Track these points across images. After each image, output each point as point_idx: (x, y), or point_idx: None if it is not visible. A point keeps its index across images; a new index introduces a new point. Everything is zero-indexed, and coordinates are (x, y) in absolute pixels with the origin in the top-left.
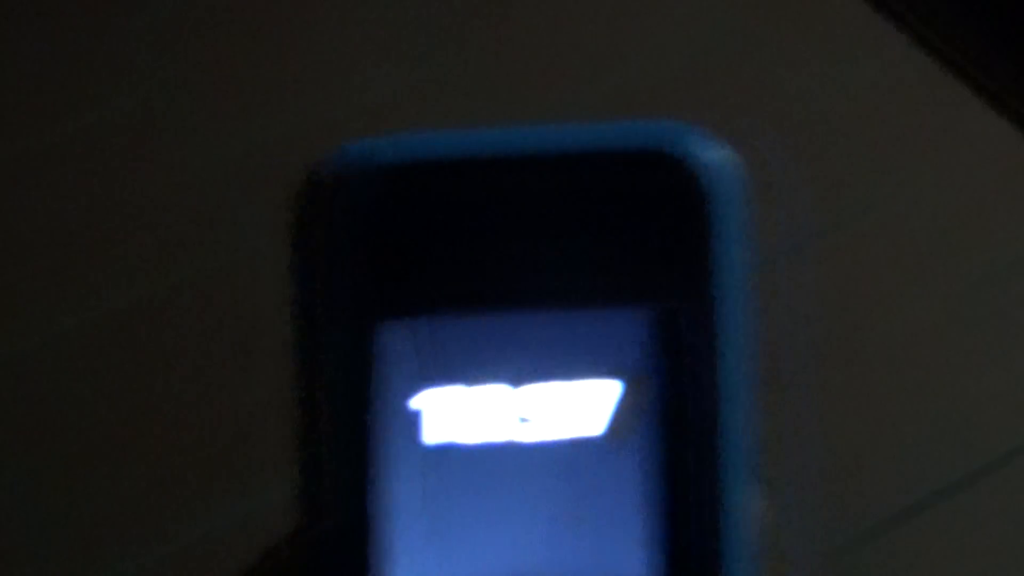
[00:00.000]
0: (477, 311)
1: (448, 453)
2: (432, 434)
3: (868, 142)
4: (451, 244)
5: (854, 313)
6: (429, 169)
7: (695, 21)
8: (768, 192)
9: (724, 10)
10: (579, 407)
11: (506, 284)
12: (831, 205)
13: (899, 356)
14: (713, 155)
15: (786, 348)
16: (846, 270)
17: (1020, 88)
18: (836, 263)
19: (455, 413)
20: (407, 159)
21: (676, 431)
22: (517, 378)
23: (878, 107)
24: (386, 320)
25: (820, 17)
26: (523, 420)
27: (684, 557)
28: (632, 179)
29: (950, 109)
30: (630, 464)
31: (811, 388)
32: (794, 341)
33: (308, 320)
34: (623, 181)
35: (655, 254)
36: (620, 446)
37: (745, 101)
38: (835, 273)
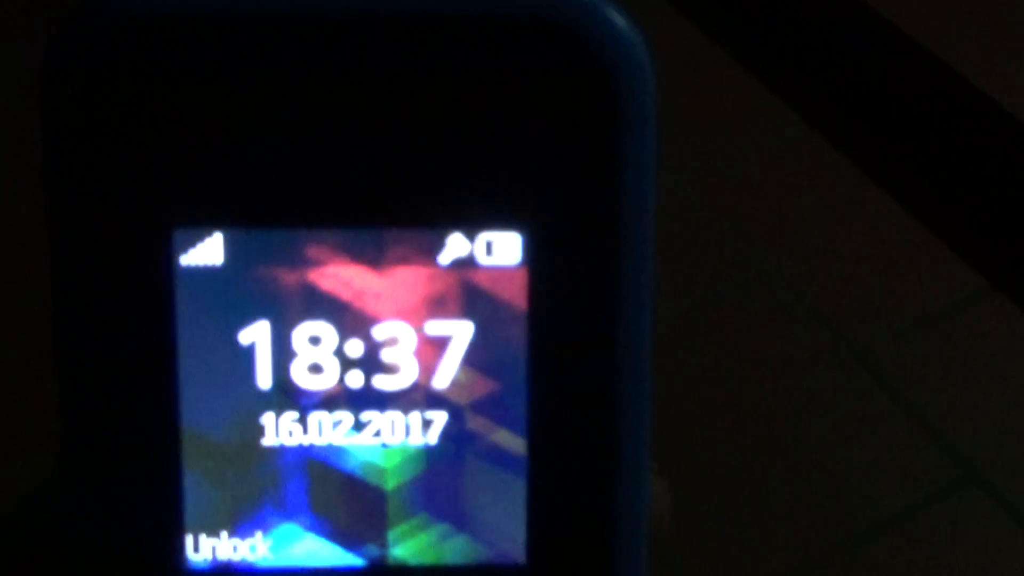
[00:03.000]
0: (295, 223)
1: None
2: (265, 377)
3: (753, 212)
4: (262, 130)
5: (734, 384)
6: (228, 25)
7: None
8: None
9: None
10: (431, 353)
11: (329, 191)
12: (716, 277)
13: (783, 426)
14: (617, 28)
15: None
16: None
17: (899, 164)
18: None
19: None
20: (197, 9)
21: (551, 393)
22: (357, 316)
23: (765, 179)
24: (180, 228)
25: (711, 90)
26: (366, 367)
27: (565, 540)
28: (504, 56)
29: (834, 182)
30: (500, 428)
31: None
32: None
33: (68, 231)
34: (490, 58)
35: (531, 158)
36: (483, 403)
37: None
38: (717, 343)
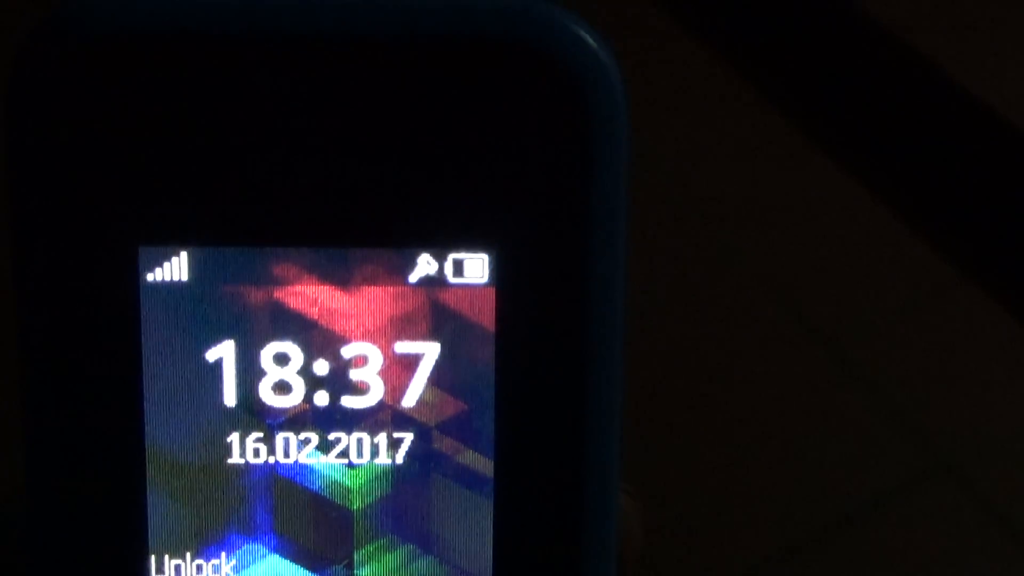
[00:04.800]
0: (262, 241)
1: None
2: (231, 396)
3: (722, 202)
4: (227, 148)
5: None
6: (195, 43)
7: None
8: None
9: None
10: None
11: (297, 210)
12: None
13: (756, 418)
14: (587, 48)
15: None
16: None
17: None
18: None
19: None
20: (160, 25)
21: (519, 414)
22: (325, 335)
23: (735, 169)
24: (146, 245)
25: (682, 83)
26: (333, 387)
27: (532, 562)
28: (472, 76)
29: (803, 172)
30: (467, 449)
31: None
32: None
33: (32, 248)
34: (458, 78)
35: (500, 177)
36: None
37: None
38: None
